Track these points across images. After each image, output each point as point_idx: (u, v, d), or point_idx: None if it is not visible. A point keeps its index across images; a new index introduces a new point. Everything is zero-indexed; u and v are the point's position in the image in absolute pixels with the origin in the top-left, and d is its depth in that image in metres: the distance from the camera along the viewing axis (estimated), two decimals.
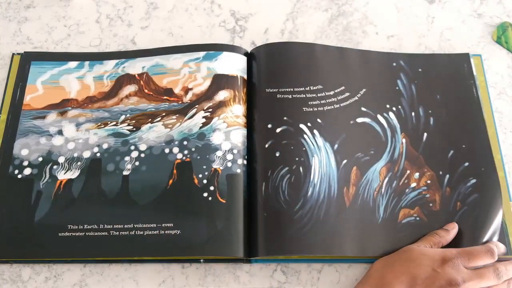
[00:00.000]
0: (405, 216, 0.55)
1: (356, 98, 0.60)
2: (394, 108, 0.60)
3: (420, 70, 0.63)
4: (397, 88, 0.62)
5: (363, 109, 0.60)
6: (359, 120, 0.59)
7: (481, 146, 0.58)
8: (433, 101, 0.61)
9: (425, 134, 0.59)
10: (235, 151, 0.57)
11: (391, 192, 0.56)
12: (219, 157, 0.56)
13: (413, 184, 0.57)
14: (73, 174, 0.57)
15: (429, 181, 0.57)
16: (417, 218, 0.55)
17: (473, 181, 0.56)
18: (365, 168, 0.57)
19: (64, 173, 0.57)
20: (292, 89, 0.60)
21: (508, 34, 0.68)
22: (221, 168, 0.56)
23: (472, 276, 0.48)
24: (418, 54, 0.65)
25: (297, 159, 0.56)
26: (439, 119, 0.60)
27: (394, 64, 0.63)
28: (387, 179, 0.57)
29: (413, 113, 0.60)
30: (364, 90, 0.61)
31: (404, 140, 0.59)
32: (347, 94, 0.60)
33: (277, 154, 0.56)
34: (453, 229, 0.54)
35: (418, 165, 0.57)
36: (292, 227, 0.53)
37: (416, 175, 0.57)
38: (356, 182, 0.56)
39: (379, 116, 0.60)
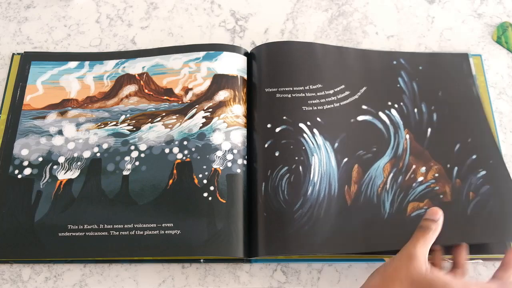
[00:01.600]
0: (414, 209, 0.55)
1: (356, 96, 0.60)
2: (396, 105, 0.60)
3: (420, 68, 0.63)
4: (398, 85, 0.62)
5: (364, 107, 0.60)
6: (360, 118, 0.59)
7: (486, 140, 0.58)
8: (435, 98, 0.61)
9: (429, 129, 0.59)
10: (235, 151, 0.57)
11: (396, 188, 0.56)
12: (219, 157, 0.56)
13: (420, 178, 0.56)
14: (73, 174, 0.57)
15: (437, 174, 0.56)
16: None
17: (483, 172, 0.56)
18: (368, 166, 0.57)
19: (64, 173, 0.57)
20: (291, 89, 0.60)
21: (508, 34, 0.68)
22: (221, 168, 0.56)
23: None
24: (418, 53, 0.64)
25: (296, 158, 0.56)
26: (442, 115, 0.60)
27: (395, 62, 0.63)
28: (391, 174, 0.56)
29: (415, 110, 0.60)
30: (364, 88, 0.61)
31: (407, 136, 0.59)
32: (347, 92, 0.60)
33: (277, 154, 0.56)
34: (438, 215, 0.49)
35: (424, 160, 0.57)
36: (292, 227, 0.52)
37: (423, 169, 0.57)
38: (358, 180, 0.56)
39: (380, 114, 0.60)
